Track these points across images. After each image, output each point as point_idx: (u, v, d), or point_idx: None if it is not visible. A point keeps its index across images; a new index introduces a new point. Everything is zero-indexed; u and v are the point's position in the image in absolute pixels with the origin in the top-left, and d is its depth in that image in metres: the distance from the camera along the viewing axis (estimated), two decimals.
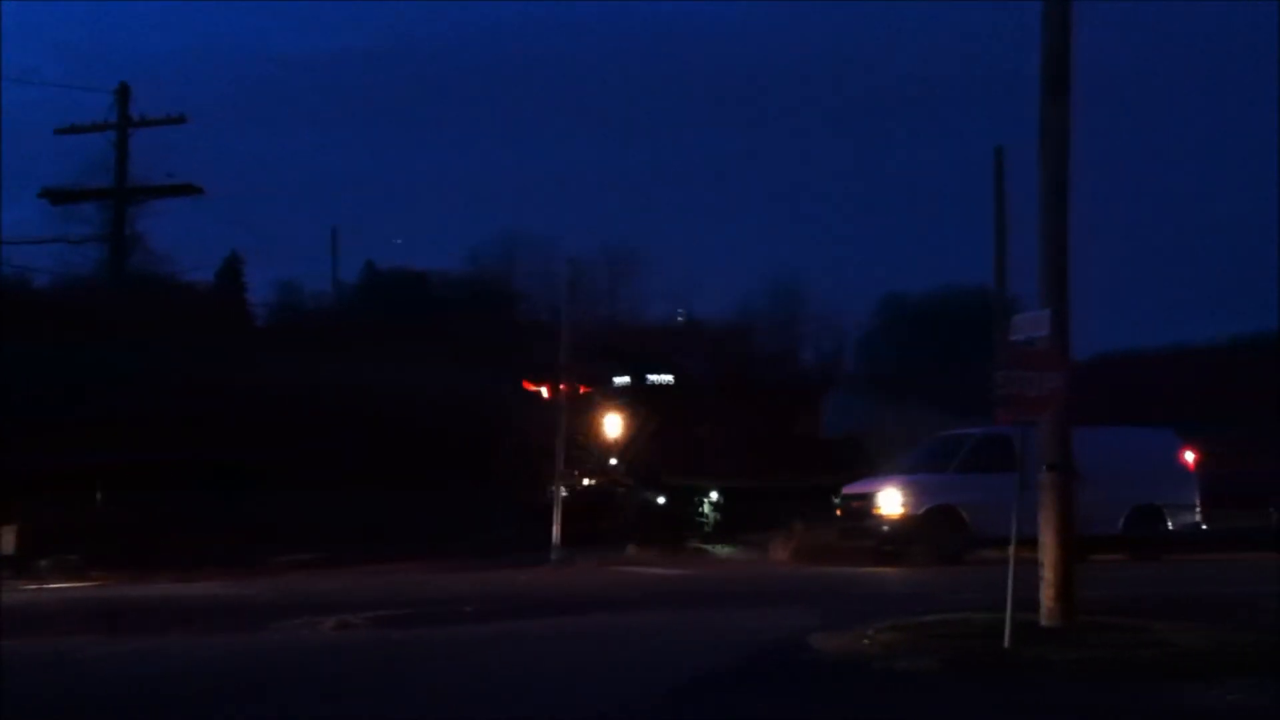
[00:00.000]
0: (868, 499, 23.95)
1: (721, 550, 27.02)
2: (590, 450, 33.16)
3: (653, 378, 40.43)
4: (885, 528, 23.44)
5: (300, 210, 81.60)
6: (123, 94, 27.38)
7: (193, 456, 28.39)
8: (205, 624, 13.28)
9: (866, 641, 10.68)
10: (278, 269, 63.34)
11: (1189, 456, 25.75)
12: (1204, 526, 26.06)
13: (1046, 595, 11.30)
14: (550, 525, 26.32)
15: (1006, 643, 10.14)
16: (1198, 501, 25.56)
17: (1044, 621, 11.15)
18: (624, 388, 37.13)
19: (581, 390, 27.05)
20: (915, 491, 23.55)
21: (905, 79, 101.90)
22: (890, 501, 23.47)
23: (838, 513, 25.23)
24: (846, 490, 24.98)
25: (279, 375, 31.73)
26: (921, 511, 23.33)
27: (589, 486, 32.67)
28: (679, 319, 62.93)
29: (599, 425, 33.33)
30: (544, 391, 27.08)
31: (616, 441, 33.47)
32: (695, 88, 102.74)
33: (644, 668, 10.23)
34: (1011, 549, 10.92)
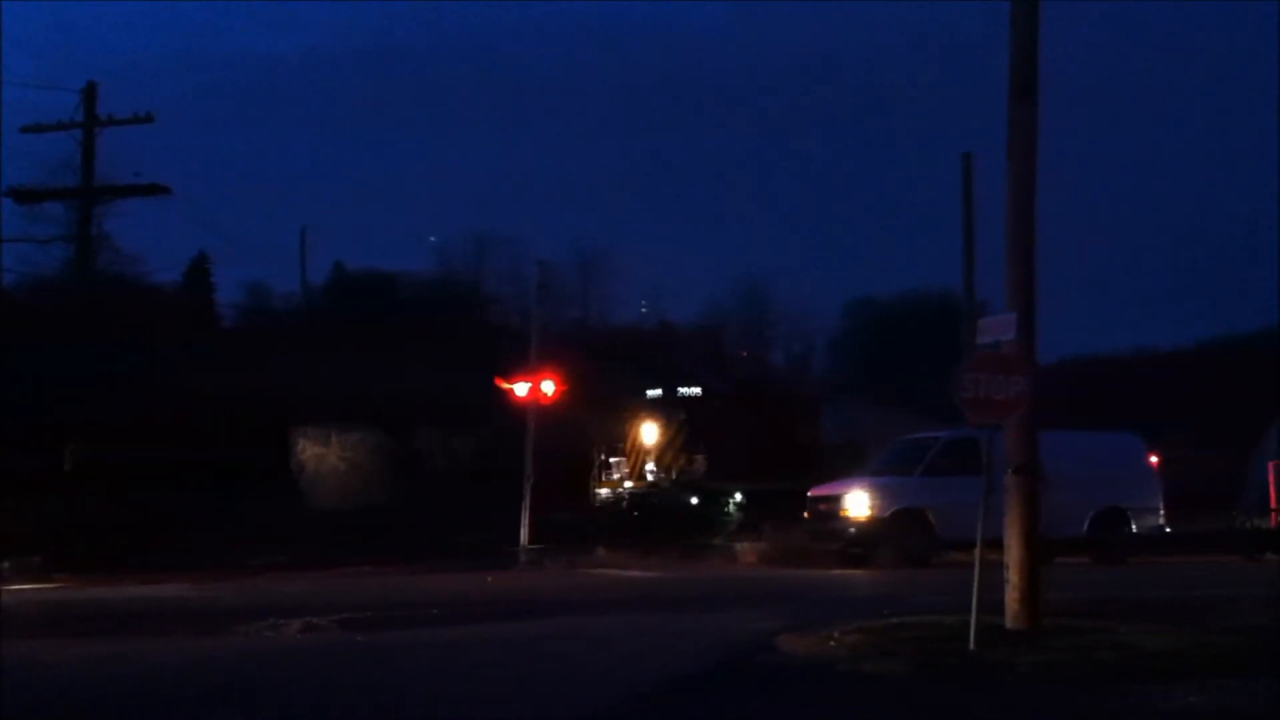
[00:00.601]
0: (835, 501, 24.00)
1: (739, 546, 27.08)
2: (629, 455, 37.23)
3: (684, 390, 43.98)
4: (852, 530, 23.50)
5: (269, 211, 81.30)
6: (89, 93, 27.14)
7: (159, 458, 28.18)
8: (168, 627, 13.15)
9: (833, 644, 10.69)
10: (246, 270, 62.97)
11: (1153, 460, 25.96)
12: (1168, 529, 26.27)
13: (1012, 598, 11.35)
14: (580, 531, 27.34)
15: (972, 645, 10.17)
16: (1161, 505, 25.77)
17: (1010, 624, 11.19)
18: (656, 398, 41.08)
19: (556, 391, 26.94)
20: (882, 494, 23.61)
21: (875, 84, 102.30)
22: (857, 504, 23.52)
23: (805, 515, 25.30)
24: (813, 492, 25.04)
25: (246, 376, 31.55)
26: (888, 514, 23.38)
27: (635, 490, 35.97)
28: (654, 324, 63.18)
29: (637, 433, 37.52)
30: (516, 390, 26.98)
31: (652, 448, 37.41)
32: (666, 91, 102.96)
33: (610, 671, 10.21)
34: (977, 551, 10.95)
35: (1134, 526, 25.04)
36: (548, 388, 26.77)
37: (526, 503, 26.04)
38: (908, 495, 23.55)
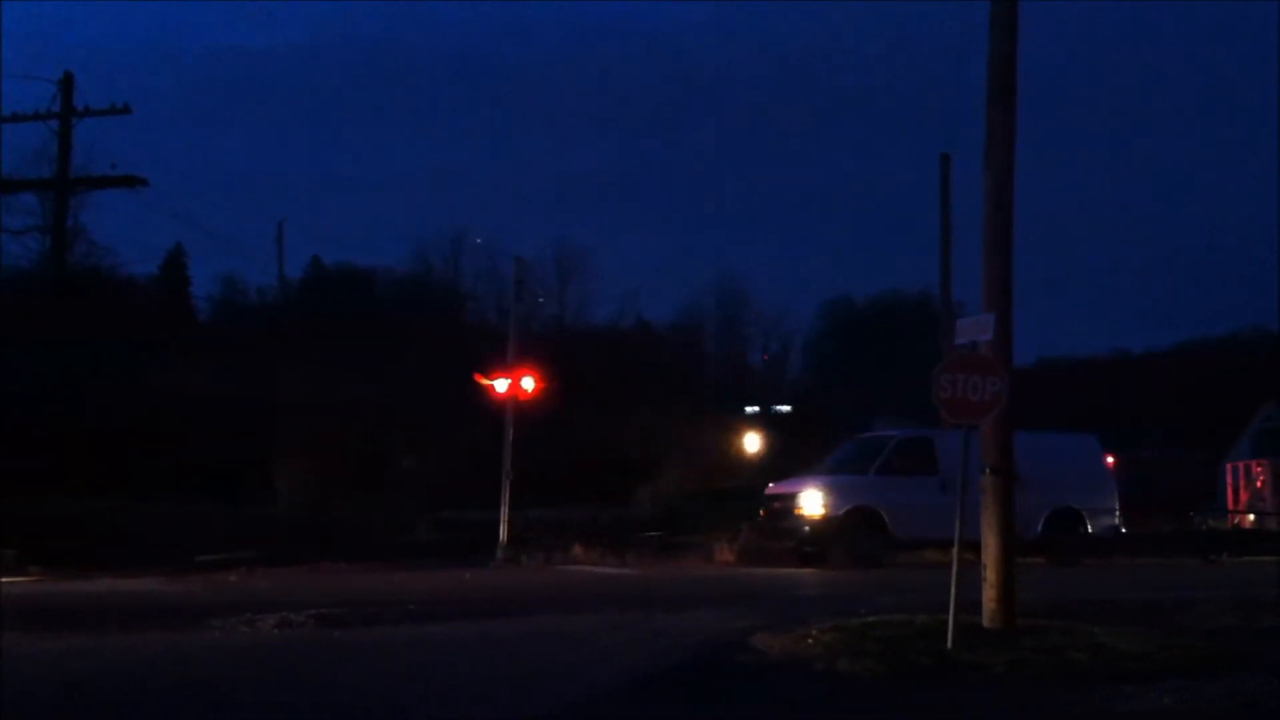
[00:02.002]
0: (789, 500, 23.88)
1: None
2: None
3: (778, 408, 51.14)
4: (805, 529, 23.41)
5: (246, 204, 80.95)
6: (67, 84, 26.98)
7: (134, 454, 28.06)
8: (144, 622, 13.07)
9: (810, 642, 10.71)
10: (223, 263, 62.73)
11: (1109, 461, 25.98)
12: (1123, 530, 26.35)
13: (989, 597, 11.40)
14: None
15: (949, 645, 10.20)
16: (1117, 505, 25.79)
17: (986, 624, 11.24)
18: (753, 414, 48.14)
19: (535, 388, 26.88)
20: (835, 493, 23.52)
21: (854, 85, 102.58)
22: (810, 502, 23.42)
23: (761, 513, 25.24)
24: (769, 491, 24.95)
25: (222, 372, 31.43)
26: (841, 513, 23.31)
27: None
28: (632, 323, 63.12)
29: (740, 443, 43.38)
30: (496, 386, 26.91)
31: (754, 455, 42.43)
32: (646, 90, 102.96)
33: (580, 669, 10.19)
34: (954, 551, 10.97)
35: (1089, 527, 25.12)
36: (527, 384, 26.71)
37: (505, 500, 26.00)
38: (861, 494, 23.50)
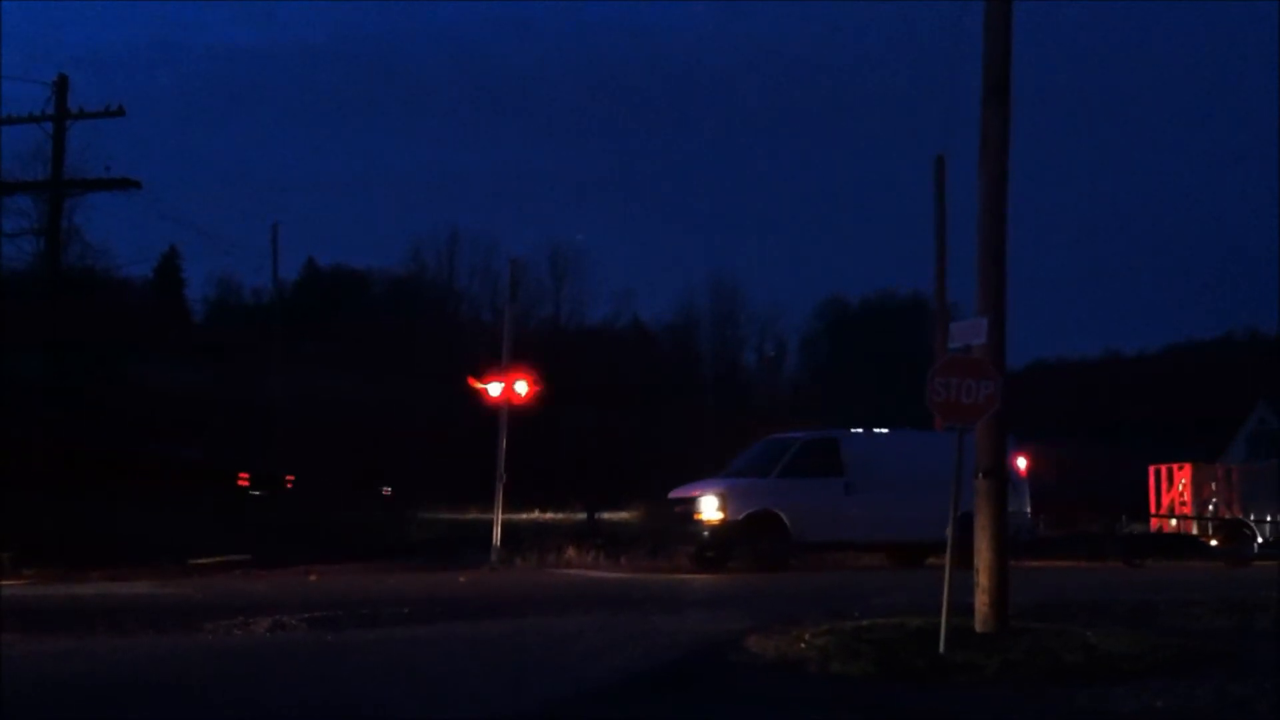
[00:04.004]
0: (690, 504, 23.33)
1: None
2: None
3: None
4: (705, 533, 22.91)
5: (241, 205, 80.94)
6: (61, 86, 26.91)
7: (130, 455, 28.03)
8: (137, 624, 13.06)
9: (803, 645, 10.72)
10: (218, 263, 62.77)
11: (1021, 463, 25.64)
12: (1036, 532, 26.24)
13: (981, 601, 11.42)
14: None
15: (942, 647, 10.22)
16: (1029, 508, 25.52)
17: (979, 627, 11.27)
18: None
19: (529, 391, 26.81)
20: (735, 496, 22.99)
21: (849, 85, 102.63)
22: (709, 507, 22.87)
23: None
24: (673, 494, 24.40)
25: (215, 374, 31.41)
26: (741, 517, 22.80)
27: None
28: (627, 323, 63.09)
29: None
30: (490, 390, 26.84)
31: None
32: (640, 90, 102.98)
33: (577, 668, 10.20)
34: (949, 555, 11.00)
35: None
36: (521, 388, 26.59)
37: (499, 502, 25.97)
38: (762, 497, 23.00)
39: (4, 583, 19.02)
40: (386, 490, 39.21)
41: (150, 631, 12.59)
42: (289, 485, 33.06)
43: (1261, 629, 12.68)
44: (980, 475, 11.75)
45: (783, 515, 22.78)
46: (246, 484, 31.68)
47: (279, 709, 8.61)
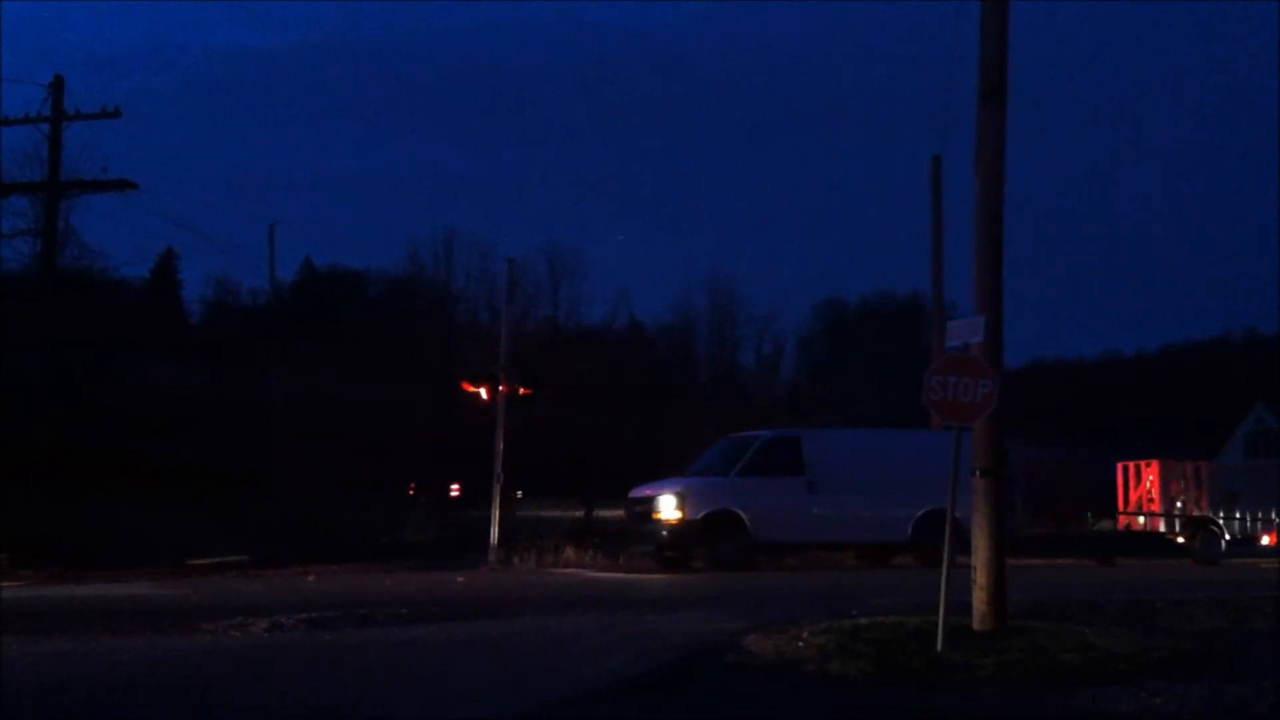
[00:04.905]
0: (648, 503, 23.14)
1: None
2: None
3: None
4: (664, 533, 22.72)
5: (238, 206, 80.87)
6: (57, 87, 26.90)
7: (126, 456, 28.00)
8: (134, 625, 13.05)
9: (801, 645, 10.72)
10: (215, 264, 62.76)
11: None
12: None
13: (979, 599, 11.41)
14: None
15: (939, 647, 10.22)
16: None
17: (977, 626, 11.26)
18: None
19: (522, 392, 26.80)
20: (694, 496, 22.77)
21: (846, 86, 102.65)
22: (667, 506, 22.68)
23: (623, 516, 24.76)
24: (632, 494, 24.22)
25: (212, 376, 31.38)
26: (699, 516, 22.58)
27: None
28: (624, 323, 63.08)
29: None
30: (483, 393, 26.83)
31: None
32: (638, 91, 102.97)
33: (573, 668, 10.19)
34: (945, 554, 10.99)
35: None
36: (518, 389, 26.55)
37: (496, 502, 25.96)
38: (722, 497, 22.77)
39: (2, 584, 19.01)
40: (455, 488, 39.02)
41: (148, 632, 12.58)
42: (286, 485, 33.01)
43: (1256, 629, 12.71)
44: (978, 474, 11.73)
45: (742, 515, 22.52)
46: (244, 484, 31.63)
47: (277, 709, 8.61)
